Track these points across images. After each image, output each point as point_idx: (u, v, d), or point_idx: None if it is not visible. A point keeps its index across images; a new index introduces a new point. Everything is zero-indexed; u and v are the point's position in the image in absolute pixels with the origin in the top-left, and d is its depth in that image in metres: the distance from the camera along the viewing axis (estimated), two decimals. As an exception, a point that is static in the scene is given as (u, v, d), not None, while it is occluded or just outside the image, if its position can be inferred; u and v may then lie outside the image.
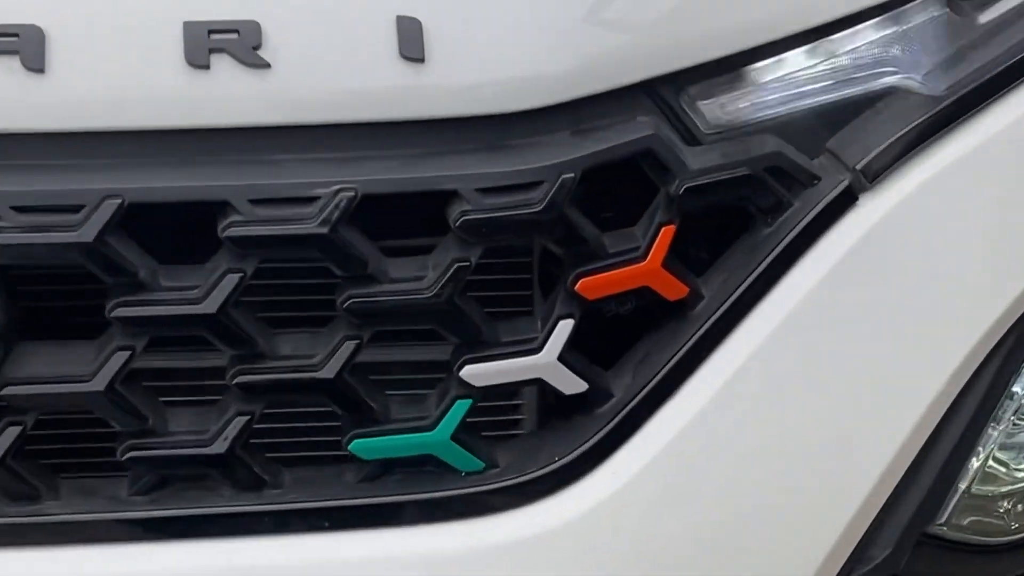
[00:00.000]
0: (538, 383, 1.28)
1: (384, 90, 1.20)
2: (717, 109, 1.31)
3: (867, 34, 1.35)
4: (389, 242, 1.24)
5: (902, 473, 1.36)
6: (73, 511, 1.26)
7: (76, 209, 1.17)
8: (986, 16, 1.39)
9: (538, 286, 1.35)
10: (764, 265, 1.30)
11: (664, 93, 1.28)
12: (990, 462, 1.44)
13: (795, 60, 1.33)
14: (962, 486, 1.42)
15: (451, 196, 1.22)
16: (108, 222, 1.17)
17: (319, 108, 1.20)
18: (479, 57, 1.21)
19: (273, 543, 1.28)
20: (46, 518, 1.26)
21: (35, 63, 1.15)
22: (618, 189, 1.29)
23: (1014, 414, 1.43)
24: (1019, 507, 1.46)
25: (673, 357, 1.30)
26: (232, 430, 1.25)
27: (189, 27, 1.16)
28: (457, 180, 1.21)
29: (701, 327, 1.30)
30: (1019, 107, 1.36)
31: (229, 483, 1.28)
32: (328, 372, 1.23)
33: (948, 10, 1.38)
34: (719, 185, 1.27)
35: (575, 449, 1.30)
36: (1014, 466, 1.45)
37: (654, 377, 1.30)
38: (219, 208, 1.19)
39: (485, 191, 1.21)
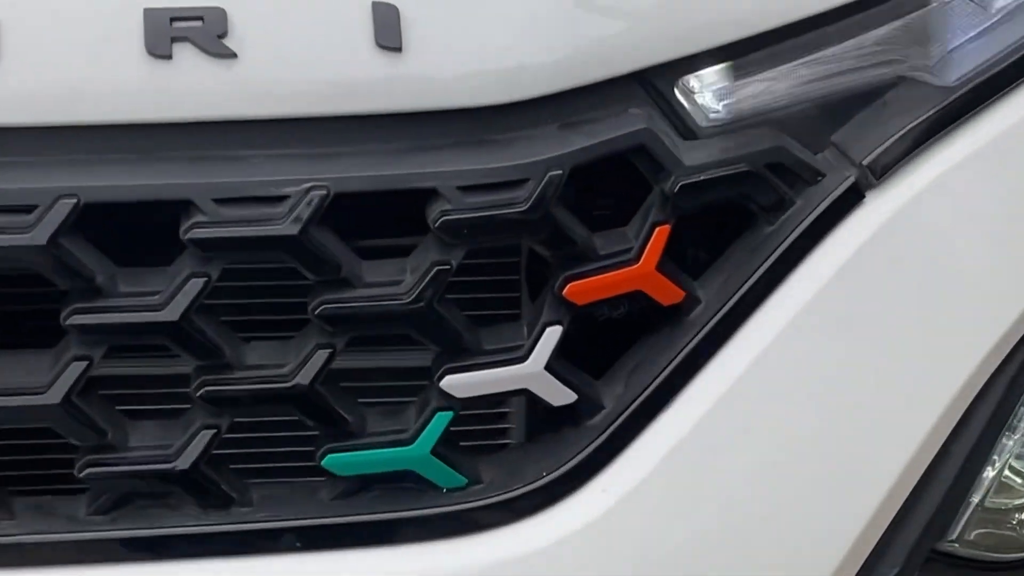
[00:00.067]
0: (525, 393, 1.26)
1: (359, 81, 1.18)
2: (714, 101, 1.29)
3: (874, 21, 1.33)
4: (365, 242, 1.22)
5: (912, 487, 1.35)
6: (27, 531, 1.24)
7: (28, 210, 1.15)
8: (1001, 0, 1.38)
9: (526, 288, 1.34)
10: (765, 267, 1.28)
11: (658, 84, 1.26)
12: (1005, 472, 1.42)
13: (797, 49, 1.31)
14: (975, 499, 1.40)
15: (430, 195, 1.19)
16: (62, 223, 1.14)
17: (289, 101, 1.18)
18: (460, 46, 1.19)
19: (241, 565, 1.25)
20: (-2, 539, 1.24)
21: (-16, 54, 1.13)
22: (609, 187, 1.28)
23: (1031, 422, 1.42)
24: (1035, 520, 1.45)
25: (668, 366, 1.28)
26: (197, 445, 1.22)
27: (150, 14, 1.14)
28: (436, 177, 1.19)
29: (698, 333, 1.28)
30: (1036, 98, 1.35)
31: (194, 501, 1.25)
32: (299, 383, 1.21)
33: (960, -6, 1.37)
34: (717, 182, 1.25)
35: (563, 464, 1.28)
36: (1031, 476, 1.44)
37: (648, 387, 1.28)
38: (182, 208, 1.17)
39: (466, 189, 1.19)
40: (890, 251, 1.30)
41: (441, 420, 1.24)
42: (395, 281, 1.20)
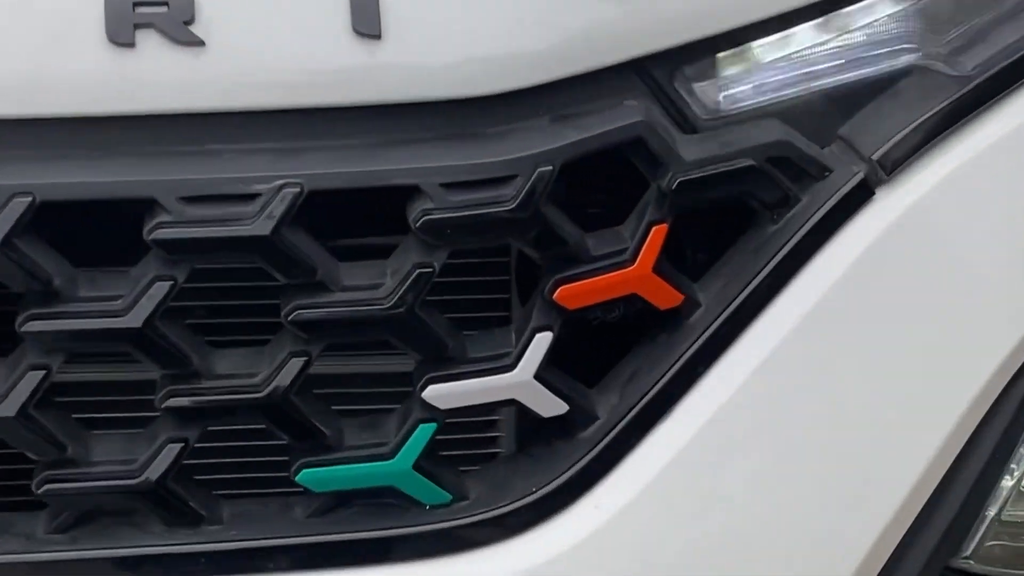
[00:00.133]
0: (512, 404, 1.25)
1: (334, 71, 1.16)
2: (716, 92, 1.28)
3: (884, 6, 1.32)
4: (343, 241, 1.21)
5: (925, 500, 1.33)
6: (-19, 551, 1.24)
7: (-20, 209, 1.15)
8: (1021, -17, 1.38)
9: (516, 290, 1.33)
10: (768, 269, 1.27)
11: (656, 74, 1.25)
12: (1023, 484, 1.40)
13: (804, 36, 1.30)
14: (991, 512, 1.38)
15: (411, 192, 1.18)
16: (17, 223, 1.13)
17: (260, 92, 1.16)
18: (443, 33, 1.17)
19: (211, 587, 1.26)
20: (-49, 560, 1.24)
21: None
22: (603, 184, 1.27)
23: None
24: (1054, 533, 1.44)
25: (666, 374, 1.26)
26: (164, 459, 1.21)
27: (111, 0, 1.12)
28: (418, 174, 1.17)
29: (697, 339, 1.27)
30: (1057, 89, 1.35)
31: (161, 519, 1.24)
32: (272, 393, 1.19)
33: (976, -22, 1.38)
34: (717, 178, 1.23)
35: (554, 479, 1.26)
36: (1050, 486, 1.43)
37: (644, 397, 1.26)
38: (146, 207, 1.15)
39: (450, 186, 1.17)
40: (902, 251, 1.28)
41: (424, 433, 1.23)
42: (374, 285, 1.19)
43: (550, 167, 1.17)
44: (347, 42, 1.14)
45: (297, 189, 1.14)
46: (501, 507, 1.25)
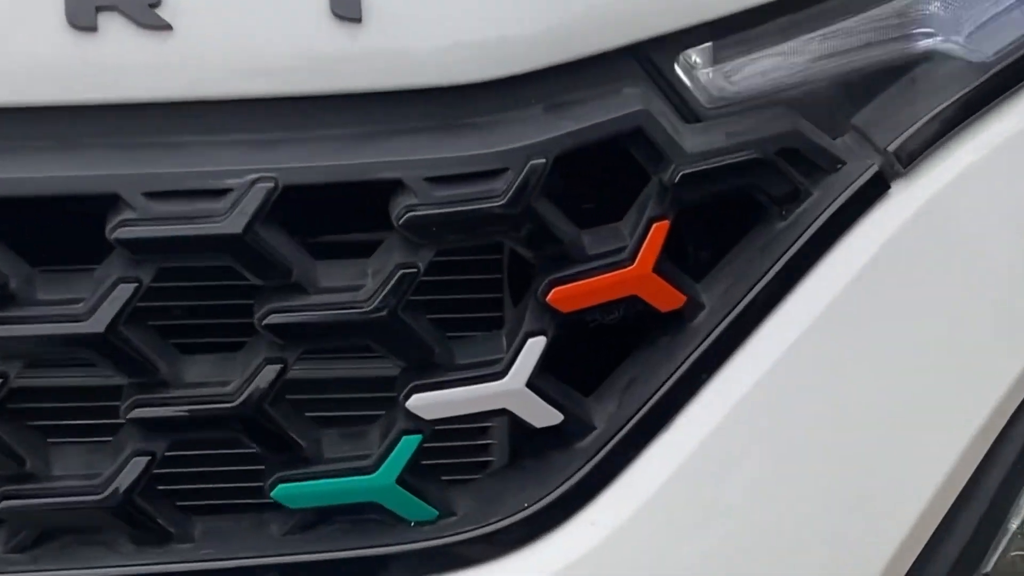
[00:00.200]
0: (504, 414, 1.24)
1: (311, 57, 1.13)
2: (721, 79, 1.26)
3: None
4: (320, 237, 1.20)
5: (944, 513, 1.32)
6: (-67, 573, 1.23)
7: (-71, 205, 1.14)
8: (1044, -36, 1.38)
9: (508, 290, 1.31)
10: (777, 268, 1.25)
11: (656, 59, 1.23)
12: (1048, 494, 1.41)
13: (814, 20, 1.28)
14: (1014, 525, 1.37)
15: (394, 187, 1.15)
16: None
17: (230, 80, 1.13)
18: (428, 16, 1.14)
19: (181, 609, 1.25)
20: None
21: None
22: (600, 177, 1.25)
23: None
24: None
25: (667, 381, 1.24)
26: (130, 472, 1.18)
27: None
28: (401, 167, 1.14)
29: (701, 343, 1.25)
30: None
31: (127, 537, 1.22)
32: (245, 402, 1.16)
33: (997, -42, 1.38)
34: (722, 171, 1.21)
35: (547, 493, 1.24)
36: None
37: (644, 405, 1.24)
38: (108, 203, 1.13)
39: (436, 181, 1.15)
40: (919, 249, 1.26)
41: (408, 445, 1.20)
42: (354, 286, 1.17)
43: (543, 160, 1.15)
44: (325, 26, 1.11)
45: (271, 184, 1.12)
46: (491, 523, 1.23)
